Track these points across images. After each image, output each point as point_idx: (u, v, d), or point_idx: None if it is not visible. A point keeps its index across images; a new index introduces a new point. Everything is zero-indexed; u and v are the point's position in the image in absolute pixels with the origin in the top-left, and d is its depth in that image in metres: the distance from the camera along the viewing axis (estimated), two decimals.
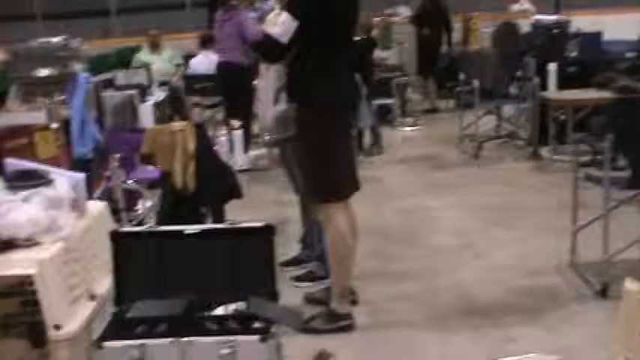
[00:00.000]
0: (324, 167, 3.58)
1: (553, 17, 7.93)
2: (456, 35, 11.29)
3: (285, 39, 3.45)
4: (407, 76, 10.59)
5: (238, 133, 7.34)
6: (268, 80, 4.12)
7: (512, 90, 8.07)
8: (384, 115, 9.25)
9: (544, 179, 6.66)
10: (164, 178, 4.77)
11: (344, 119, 3.64)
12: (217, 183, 4.81)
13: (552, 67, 7.24)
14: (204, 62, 8.52)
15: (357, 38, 7.71)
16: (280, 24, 3.46)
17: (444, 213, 5.78)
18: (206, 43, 8.69)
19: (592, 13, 11.42)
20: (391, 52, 10.84)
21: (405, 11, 12.76)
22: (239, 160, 7.35)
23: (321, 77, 3.52)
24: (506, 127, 8.41)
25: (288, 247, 4.77)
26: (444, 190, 6.49)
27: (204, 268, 2.39)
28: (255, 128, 8.52)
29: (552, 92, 7.09)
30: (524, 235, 5.12)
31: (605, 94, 6.41)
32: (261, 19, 8.44)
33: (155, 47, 9.92)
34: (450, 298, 4.13)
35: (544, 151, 7.45)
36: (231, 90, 7.61)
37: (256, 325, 2.35)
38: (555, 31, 7.82)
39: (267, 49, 3.58)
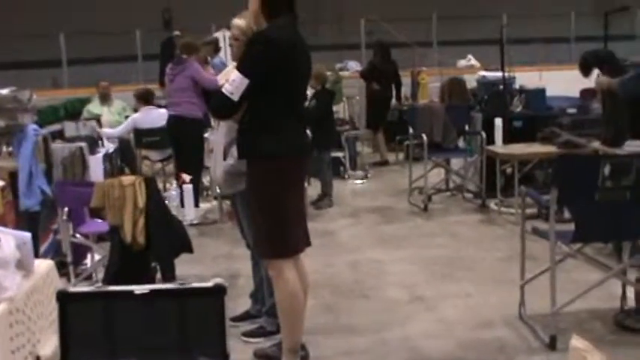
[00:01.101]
0: (274, 222, 3.56)
1: (498, 73, 8.11)
2: (405, 90, 11.52)
3: (235, 97, 3.46)
4: (357, 129, 10.73)
5: (189, 187, 7.28)
6: (219, 134, 4.12)
7: (461, 144, 8.21)
8: (334, 168, 9.31)
9: (492, 232, 6.73)
10: (113, 232, 4.70)
11: (294, 173, 3.63)
12: (167, 237, 4.75)
13: (498, 121, 7.39)
14: (147, 119, 8.37)
15: (314, 90, 7.88)
16: (231, 82, 3.47)
17: (393, 266, 5.79)
18: (145, 99, 8.56)
19: (533, 69, 11.78)
20: (341, 106, 10.97)
21: (354, 66, 12.99)
22: (189, 213, 7.28)
23: (269, 131, 3.53)
24: (455, 179, 8.53)
25: (238, 301, 4.71)
26: (393, 242, 6.51)
27: (154, 329, 2.34)
28: (205, 181, 8.51)
29: (499, 146, 7.23)
30: (474, 287, 5.15)
31: (550, 149, 6.57)
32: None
33: (105, 99, 9.85)
34: (400, 352, 4.11)
35: (492, 204, 7.56)
36: (183, 143, 7.58)
37: None
38: (501, 87, 8.00)
39: (219, 106, 3.59)
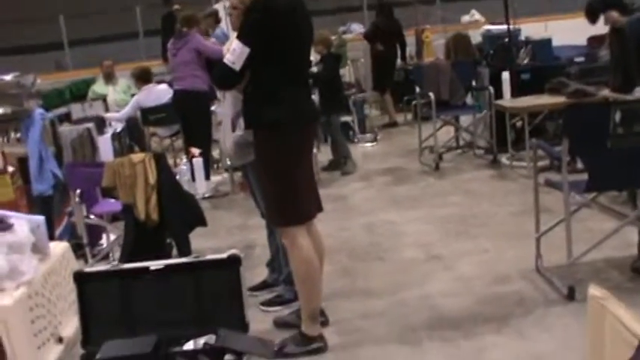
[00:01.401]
0: (284, 190, 3.57)
1: (503, 26, 8.01)
2: (410, 49, 11.42)
3: (237, 66, 3.45)
4: (363, 92, 10.67)
5: (199, 161, 7.29)
6: (226, 106, 4.11)
7: (469, 100, 8.16)
8: (344, 133, 9.29)
9: (505, 187, 6.71)
10: (127, 211, 4.72)
11: (301, 140, 3.63)
12: (181, 213, 4.77)
13: (506, 75, 7.33)
14: (150, 97, 8.28)
15: (321, 55, 7.84)
16: (232, 51, 3.46)
17: (408, 227, 5.79)
18: (144, 78, 8.42)
19: (539, 20, 11.64)
20: (346, 70, 10.90)
21: (357, 28, 12.88)
22: (201, 187, 7.30)
23: (273, 100, 3.53)
24: (465, 137, 8.49)
25: (255, 271, 4.73)
26: (406, 203, 6.51)
27: (172, 304, 2.36)
28: (215, 154, 8.52)
29: (507, 100, 7.17)
30: (489, 243, 5.15)
31: (559, 99, 6.52)
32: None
33: (110, 78, 9.84)
34: (419, 311, 4.13)
35: (503, 159, 7.53)
36: (190, 118, 7.57)
37: (227, 357, 2.31)
38: (506, 40, 7.91)
39: (221, 76, 3.58)
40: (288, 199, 3.58)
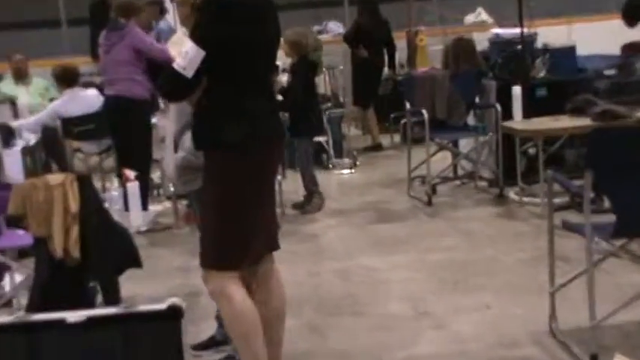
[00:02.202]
0: (228, 225, 3.57)
1: (515, 30, 8.12)
2: (400, 55, 11.52)
3: (189, 73, 3.45)
4: (342, 106, 10.73)
5: (134, 186, 7.25)
6: (169, 119, 4.11)
7: (470, 120, 8.23)
8: (316, 156, 9.31)
9: (513, 228, 6.76)
10: (39, 246, 4.67)
11: (262, 163, 3.64)
12: (109, 249, 4.73)
13: (517, 90, 7.39)
14: (75, 104, 8.15)
15: (292, 62, 7.87)
16: (184, 54, 3.46)
17: (392, 275, 5.79)
18: (68, 80, 8.29)
19: (560, 22, 11.80)
20: (321, 79, 10.94)
21: (336, 28, 12.97)
22: (136, 219, 7.26)
23: (232, 115, 3.55)
24: (465, 165, 8.55)
25: (201, 325, 4.70)
26: (391, 246, 6.52)
27: None
28: (156, 177, 8.47)
29: (518, 121, 7.24)
30: (492, 298, 5.16)
31: (583, 122, 6.59)
32: (157, 39, 8.50)
33: (21, 77, 9.72)
34: None
35: (511, 193, 7.60)
36: (125, 131, 7.52)
37: None
38: (519, 47, 8.02)
39: (169, 85, 3.58)
40: (230, 237, 3.58)
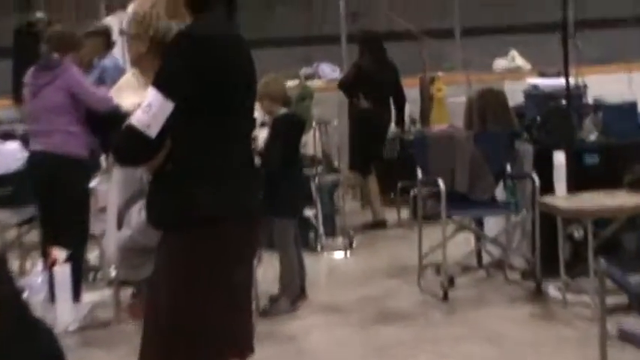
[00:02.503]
0: (190, 324, 3.59)
1: (559, 80, 8.21)
2: (412, 108, 11.59)
3: (153, 131, 3.46)
4: (335, 172, 10.73)
5: (64, 271, 7.18)
6: (113, 185, 4.12)
7: (499, 194, 8.27)
8: (301, 234, 9.30)
9: (554, 333, 6.74)
10: None
11: (237, 246, 3.66)
12: (27, 353, 4.70)
13: (560, 157, 7.45)
14: None
15: (273, 117, 7.81)
16: (145, 108, 3.47)
17: None
18: None
19: (617, 69, 11.84)
20: (310, 136, 10.96)
21: (330, 71, 13.04)
22: (64, 314, 7.17)
23: (208, 181, 3.57)
24: (492, 251, 8.54)
25: None
26: (397, 353, 6.50)
27: None
28: (93, 257, 8.42)
29: (561, 197, 7.28)
30: None
31: None
32: (101, 79, 8.53)
33: None
34: None
35: (551, 289, 7.58)
36: (54, 198, 7.50)
37: None
38: (563, 101, 8.09)
39: (127, 148, 3.58)
40: (187, 345, 3.59)
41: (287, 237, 7.84)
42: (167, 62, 3.60)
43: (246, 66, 3.76)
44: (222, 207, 3.57)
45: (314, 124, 10.93)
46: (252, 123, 4.06)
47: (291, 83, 10.67)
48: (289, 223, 7.90)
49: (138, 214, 3.88)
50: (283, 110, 7.83)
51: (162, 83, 3.52)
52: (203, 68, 3.53)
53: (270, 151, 7.70)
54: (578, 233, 7.58)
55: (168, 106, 3.47)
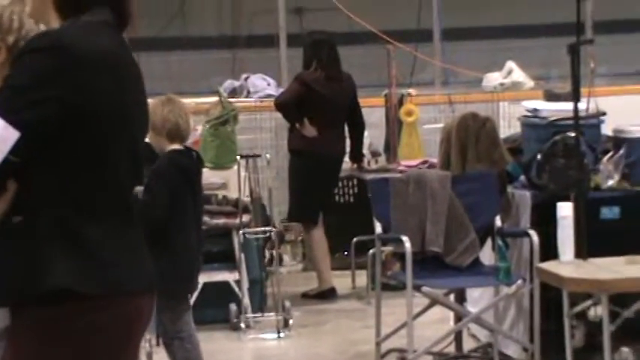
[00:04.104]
0: None
1: (566, 105, 8.21)
2: (374, 137, 11.62)
3: None
4: (267, 223, 10.72)
5: None
6: None
7: (485, 257, 8.27)
8: (218, 308, 9.31)
9: None
10: None
11: (117, 331, 3.65)
12: None
13: (567, 209, 7.45)
14: None
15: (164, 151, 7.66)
16: None
17: None
18: None
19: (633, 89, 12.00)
20: (232, 173, 10.96)
21: (263, 85, 13.01)
22: None
23: (68, 245, 3.52)
24: (476, 332, 8.58)
25: None
26: None
27: None
28: None
29: (568, 262, 7.26)
30: None
31: None
32: None
33: None
34: None
35: None
36: None
37: None
38: (571, 134, 8.13)
39: None
40: None
41: (176, 320, 7.60)
42: (17, 76, 3.55)
43: (134, 86, 3.76)
44: (83, 280, 3.53)
45: (238, 157, 10.94)
46: (140, 161, 4.03)
47: (206, 101, 10.63)
48: (177, 302, 7.65)
49: None
50: (174, 146, 7.60)
51: (4, 105, 3.49)
52: (67, 86, 3.52)
53: (152, 198, 7.37)
54: (591, 311, 7.59)
55: (13, 135, 3.43)
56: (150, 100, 7.18)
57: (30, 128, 3.45)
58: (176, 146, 7.61)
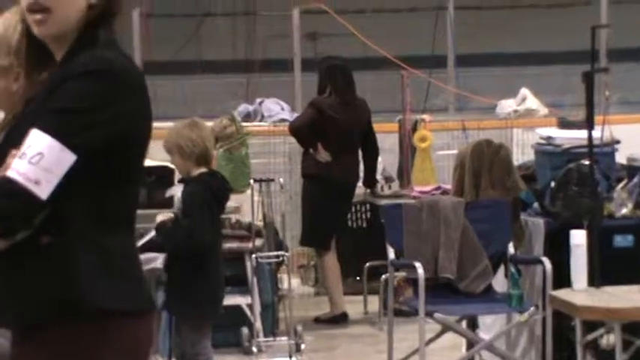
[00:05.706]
0: None
1: (580, 132, 8.20)
2: (388, 162, 11.60)
3: (44, 192, 3.37)
4: (280, 247, 10.70)
5: None
6: None
7: (498, 284, 8.27)
8: (230, 331, 9.29)
9: None
10: None
11: (133, 347, 3.66)
12: None
13: (580, 237, 7.43)
14: None
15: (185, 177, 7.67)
16: (33, 158, 3.35)
17: None
18: None
19: None
20: (246, 197, 10.95)
21: (277, 110, 13.00)
22: None
23: (104, 262, 3.54)
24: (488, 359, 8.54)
25: None
26: None
27: None
28: None
29: (581, 291, 7.24)
30: None
31: None
32: None
33: None
34: None
35: None
36: None
37: None
38: (585, 162, 8.11)
39: (9, 210, 3.46)
40: None
41: (198, 347, 7.61)
42: (70, 99, 3.53)
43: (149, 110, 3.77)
44: (123, 298, 3.55)
45: (252, 181, 10.93)
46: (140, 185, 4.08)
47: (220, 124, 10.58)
48: (196, 327, 7.68)
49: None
50: (201, 169, 7.67)
51: (60, 128, 3.47)
52: (118, 113, 3.52)
53: (195, 224, 7.40)
54: (604, 339, 7.57)
55: (69, 159, 3.43)
56: (171, 124, 7.27)
57: (86, 152, 3.44)
58: (203, 169, 7.68)
